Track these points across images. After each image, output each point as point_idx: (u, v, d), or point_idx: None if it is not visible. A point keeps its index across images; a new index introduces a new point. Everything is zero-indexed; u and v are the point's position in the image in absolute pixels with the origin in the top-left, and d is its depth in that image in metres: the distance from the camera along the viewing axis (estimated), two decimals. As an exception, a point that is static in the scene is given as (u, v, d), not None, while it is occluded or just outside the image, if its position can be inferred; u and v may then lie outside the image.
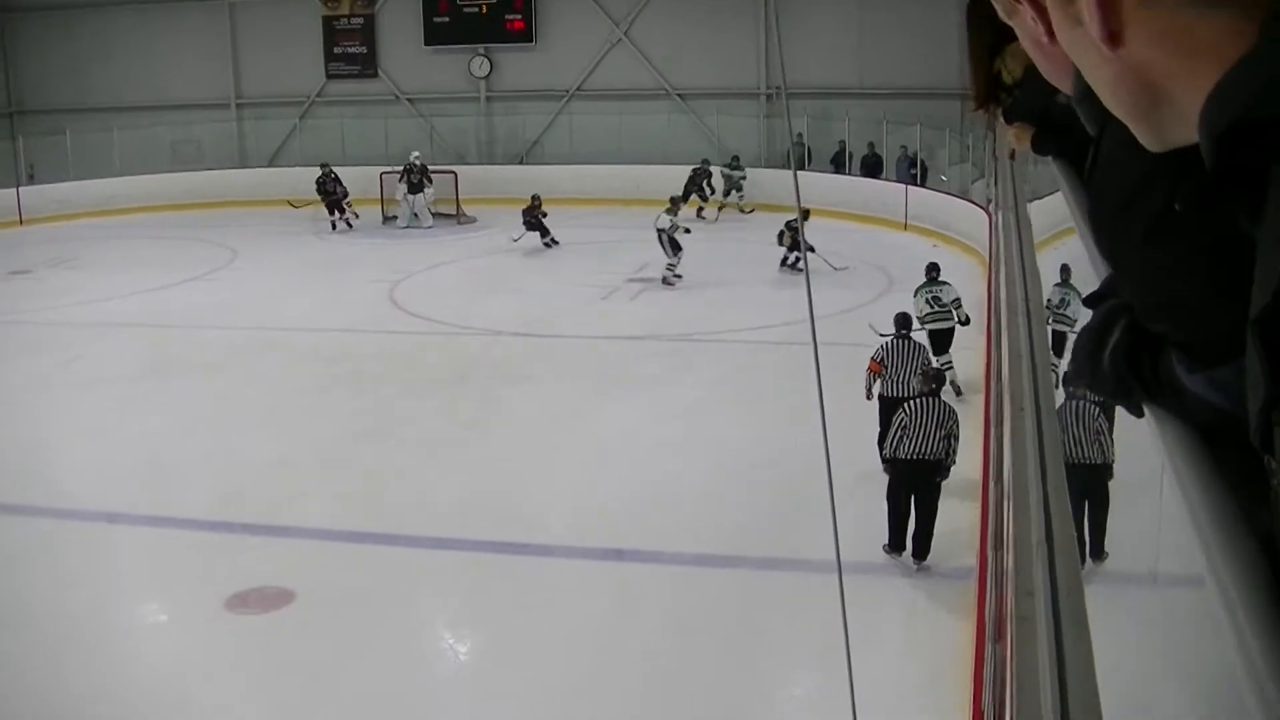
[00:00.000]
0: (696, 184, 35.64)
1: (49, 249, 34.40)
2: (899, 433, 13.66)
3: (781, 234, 28.08)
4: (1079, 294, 15.97)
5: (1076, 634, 2.63)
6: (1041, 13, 1.10)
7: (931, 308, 19.37)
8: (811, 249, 24.93)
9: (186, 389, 21.16)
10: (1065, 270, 17.80)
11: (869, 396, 16.41)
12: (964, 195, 31.87)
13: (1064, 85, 1.37)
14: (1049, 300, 16.35)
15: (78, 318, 26.48)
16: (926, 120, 35.46)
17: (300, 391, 20.74)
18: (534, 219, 32.09)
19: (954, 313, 18.86)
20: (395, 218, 37.39)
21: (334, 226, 36.19)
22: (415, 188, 36.96)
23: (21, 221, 38.60)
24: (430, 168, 38.04)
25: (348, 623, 12.96)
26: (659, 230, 27.63)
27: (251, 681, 11.99)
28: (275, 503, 16.10)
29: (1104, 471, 12.65)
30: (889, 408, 15.39)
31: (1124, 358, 1.44)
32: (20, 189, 39.67)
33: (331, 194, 36.24)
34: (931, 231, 30.35)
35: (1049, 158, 3.40)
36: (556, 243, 32.01)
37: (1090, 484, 12.35)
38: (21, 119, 45.50)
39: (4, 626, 12.91)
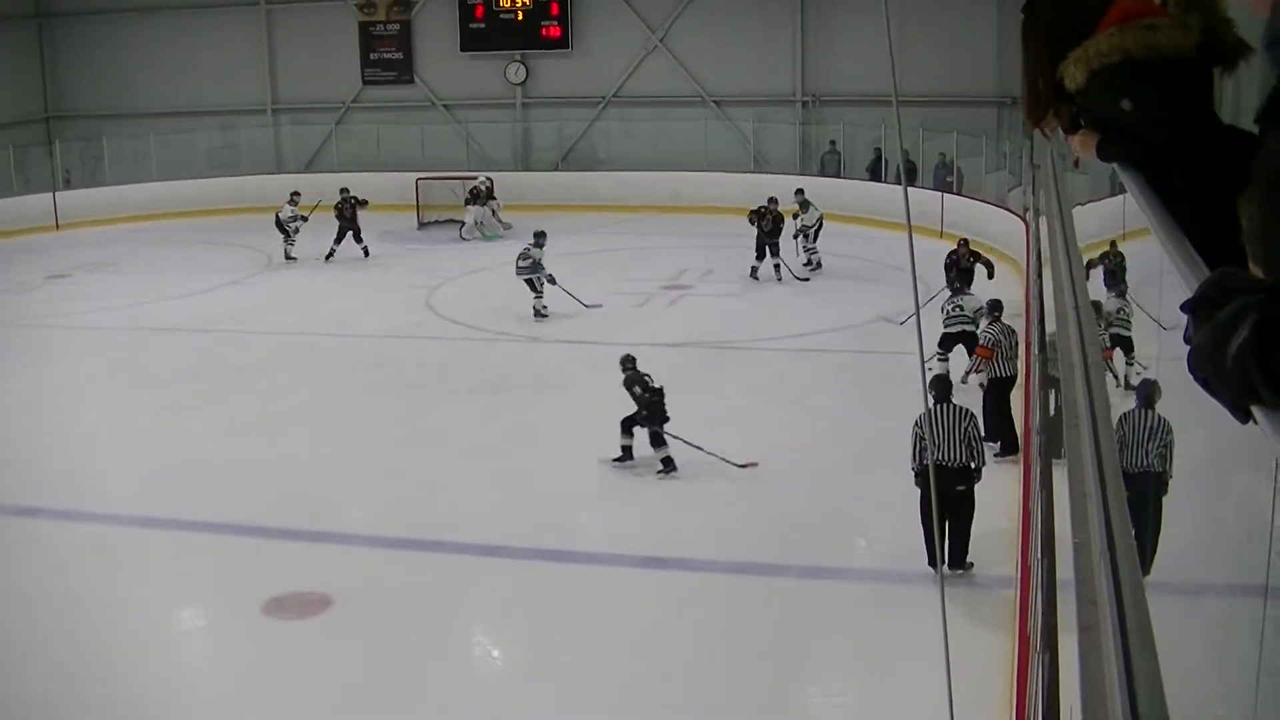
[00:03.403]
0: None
1: (86, 253, 34.63)
2: (917, 445, 13.52)
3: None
4: (1131, 303, 18.44)
5: (1142, 643, 2.61)
6: None
7: (953, 314, 20.31)
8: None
9: (227, 393, 21.26)
10: (1113, 276, 19.55)
11: (980, 385, 18.04)
12: (1000, 203, 31.78)
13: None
14: (1108, 310, 18.28)
15: (117, 322, 26.63)
16: (962, 127, 35.41)
17: (340, 397, 20.80)
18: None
19: (976, 320, 19.32)
20: (430, 223, 37.44)
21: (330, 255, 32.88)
22: (475, 200, 36.53)
23: (58, 226, 38.82)
24: (465, 174, 38.17)
25: (385, 629, 12.98)
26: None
27: (287, 687, 12.01)
28: (314, 508, 16.15)
29: (1161, 484, 12.41)
30: (1001, 388, 17.52)
31: (1253, 355, 1.45)
32: (57, 194, 39.87)
33: (349, 220, 32.98)
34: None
35: (1111, 164, 3.39)
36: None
37: (1145, 495, 12.14)
38: (59, 124, 45.78)
39: (48, 630, 12.98)
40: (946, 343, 20.06)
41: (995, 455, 16.45)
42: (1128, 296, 18.93)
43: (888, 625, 12.76)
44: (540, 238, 26.63)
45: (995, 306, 18.80)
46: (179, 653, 12.96)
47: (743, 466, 16.97)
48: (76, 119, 45.66)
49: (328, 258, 32.80)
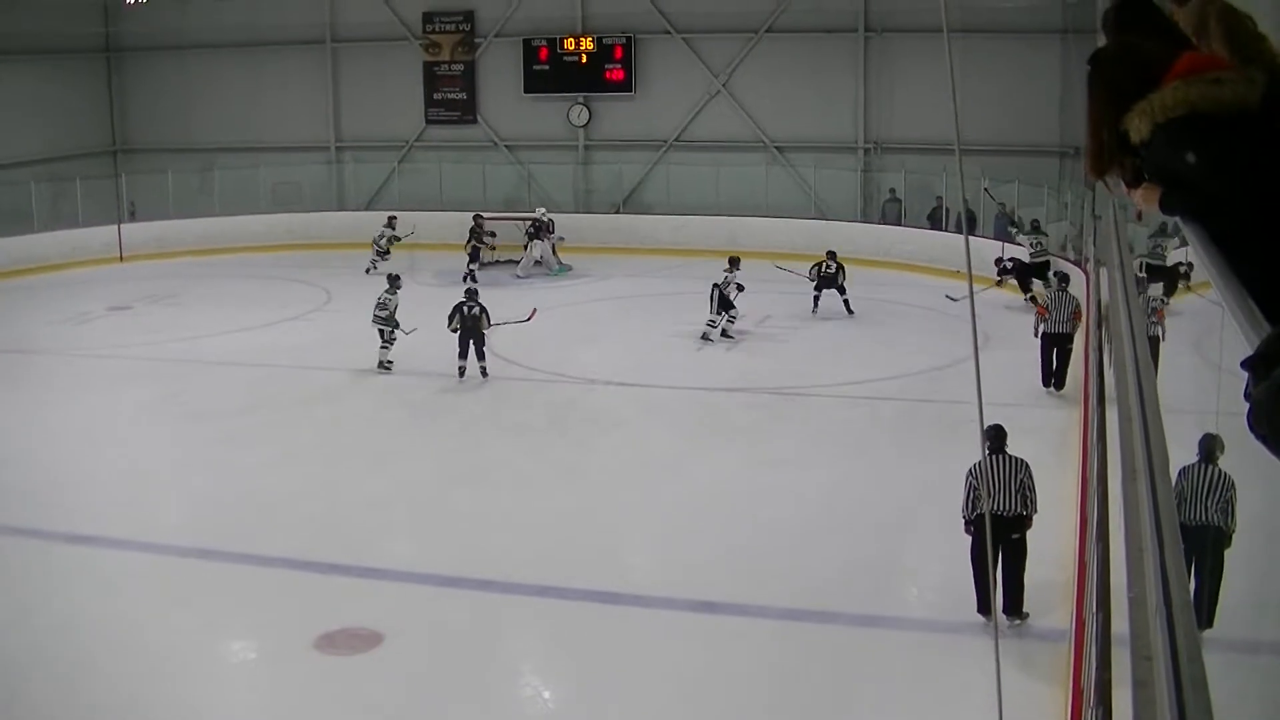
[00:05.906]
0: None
1: (149, 285, 34.87)
2: (971, 494, 13.42)
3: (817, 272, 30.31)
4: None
5: (1197, 701, 2.59)
6: None
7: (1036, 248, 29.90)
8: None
9: (282, 427, 21.38)
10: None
11: (1036, 335, 22.92)
12: (1061, 253, 31.66)
13: None
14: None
15: (177, 354, 26.77)
16: (1024, 177, 35.34)
17: (394, 432, 20.86)
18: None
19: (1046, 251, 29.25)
20: (491, 264, 37.50)
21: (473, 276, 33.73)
22: (538, 234, 36.91)
23: (122, 258, 39.13)
24: (526, 215, 38.25)
25: (435, 667, 13.00)
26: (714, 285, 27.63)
27: (338, 721, 12.03)
28: (367, 543, 16.21)
29: (1222, 537, 12.27)
30: (1050, 343, 22.39)
31: None
32: (122, 226, 40.18)
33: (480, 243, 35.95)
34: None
35: (1174, 218, 3.37)
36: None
37: (1205, 549, 12.00)
38: (125, 157, 46.21)
39: (99, 658, 13.04)
40: (1037, 271, 28.88)
41: (1048, 392, 22.21)
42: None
43: (938, 675, 12.68)
44: (395, 282, 26.03)
45: (1063, 279, 24.06)
46: (229, 685, 12.97)
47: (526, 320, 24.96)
48: (142, 152, 46.09)
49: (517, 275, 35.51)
